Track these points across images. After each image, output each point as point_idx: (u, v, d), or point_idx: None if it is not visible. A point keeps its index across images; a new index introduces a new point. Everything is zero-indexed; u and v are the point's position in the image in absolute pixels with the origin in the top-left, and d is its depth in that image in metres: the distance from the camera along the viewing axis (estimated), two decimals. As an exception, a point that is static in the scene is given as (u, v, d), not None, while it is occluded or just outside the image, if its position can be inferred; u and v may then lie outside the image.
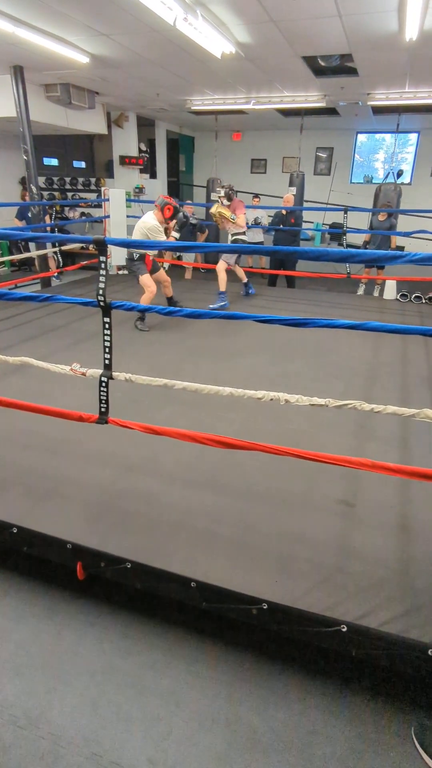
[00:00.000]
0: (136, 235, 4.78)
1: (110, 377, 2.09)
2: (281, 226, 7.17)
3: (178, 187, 11.28)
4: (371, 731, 1.63)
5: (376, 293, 7.40)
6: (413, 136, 9.89)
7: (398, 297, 6.88)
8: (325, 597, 1.74)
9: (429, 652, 1.55)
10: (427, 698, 1.75)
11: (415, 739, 1.60)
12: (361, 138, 10.46)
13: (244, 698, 1.72)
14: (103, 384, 2.09)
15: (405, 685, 1.79)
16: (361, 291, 7.48)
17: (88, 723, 1.63)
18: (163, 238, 4.64)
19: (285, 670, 1.83)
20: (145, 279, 4.89)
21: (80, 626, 1.97)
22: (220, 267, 5.71)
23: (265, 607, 1.72)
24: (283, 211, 7.17)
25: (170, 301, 5.44)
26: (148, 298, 4.82)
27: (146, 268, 4.95)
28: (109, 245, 1.95)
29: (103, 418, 2.14)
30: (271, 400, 1.94)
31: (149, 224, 4.68)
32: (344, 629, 1.63)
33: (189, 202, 10.38)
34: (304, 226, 9.18)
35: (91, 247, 7.95)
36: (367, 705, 1.71)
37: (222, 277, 5.65)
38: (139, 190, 9.23)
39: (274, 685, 1.77)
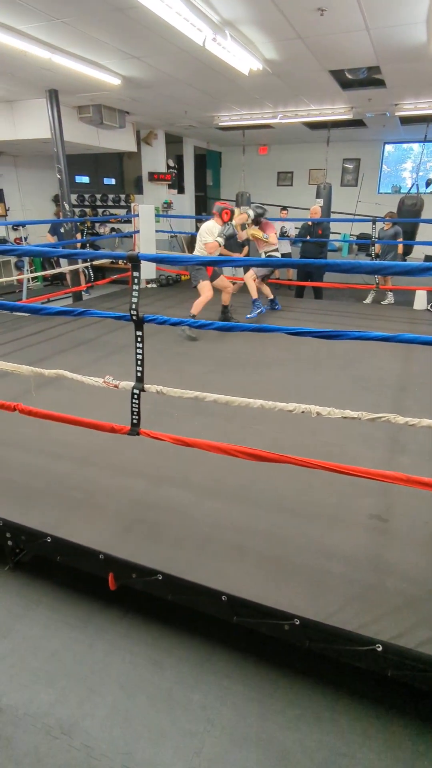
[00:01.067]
0: (198, 242, 5.26)
1: (142, 389, 2.12)
2: (308, 238, 7.18)
3: (205, 201, 11.44)
4: (408, 757, 1.57)
5: (369, 300, 7.36)
6: (442, 145, 9.75)
7: (429, 307, 6.74)
8: (358, 614, 1.71)
9: (470, 676, 1.49)
10: (468, 724, 1.68)
11: (455, 767, 1.53)
12: (389, 148, 10.39)
13: (276, 716, 1.69)
14: (135, 396, 2.13)
15: (444, 709, 1.73)
16: (369, 299, 7.40)
17: (120, 735, 1.63)
18: (210, 238, 5.03)
19: (318, 689, 1.79)
20: (204, 285, 5.21)
21: (112, 637, 1.99)
22: (249, 276, 5.77)
23: (297, 623, 1.70)
24: (310, 223, 7.17)
25: (224, 309, 5.63)
26: (202, 302, 5.15)
27: (207, 274, 5.27)
28: (141, 261, 1.99)
29: (134, 429, 2.17)
30: (303, 412, 1.94)
31: (206, 226, 5.12)
32: (379, 648, 1.59)
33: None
34: (332, 237, 9.16)
35: (122, 262, 8.09)
36: (403, 729, 1.65)
37: (252, 285, 5.71)
38: (168, 205, 9.40)
39: (306, 704, 1.73)
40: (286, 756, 1.58)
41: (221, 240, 5.04)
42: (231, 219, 5.12)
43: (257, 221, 5.79)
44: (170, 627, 2.04)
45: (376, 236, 7.04)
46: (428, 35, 4.12)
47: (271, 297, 6.35)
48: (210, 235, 5.02)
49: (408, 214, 7.58)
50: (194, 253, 5.37)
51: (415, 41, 4.28)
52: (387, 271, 1.73)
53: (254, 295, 5.66)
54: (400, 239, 7.14)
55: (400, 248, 7.23)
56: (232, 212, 5.16)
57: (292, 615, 1.70)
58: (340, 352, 4.55)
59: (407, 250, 7.78)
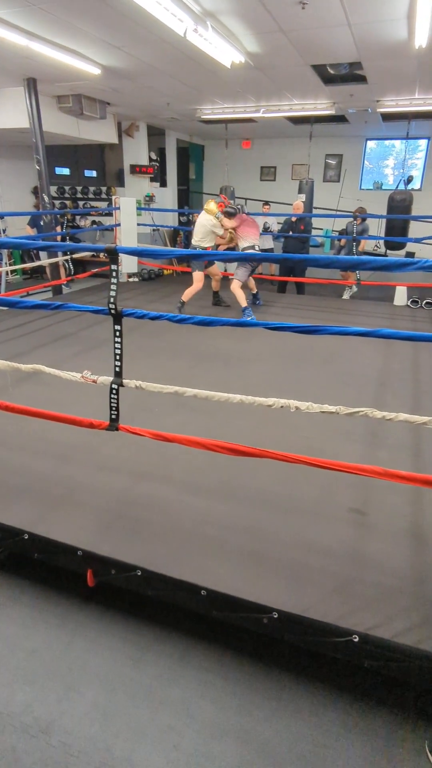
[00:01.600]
0: (199, 232, 5.59)
1: (121, 384, 2.10)
2: (290, 233, 7.19)
3: (188, 195, 11.36)
4: (385, 745, 1.60)
5: (346, 295, 7.41)
6: (423, 142, 9.87)
7: (409, 303, 6.84)
8: (337, 606, 1.73)
9: (444, 665, 1.52)
10: (442, 712, 1.71)
11: (429, 754, 1.57)
12: (371, 144, 10.46)
13: (255, 709, 1.70)
14: (114, 391, 2.10)
15: (420, 698, 1.76)
16: (347, 295, 7.47)
17: (98, 732, 1.62)
18: (220, 231, 5.56)
19: (297, 681, 1.80)
20: (197, 275, 5.66)
21: (91, 634, 1.97)
22: (235, 286, 5.69)
23: (275, 616, 1.71)
24: (293, 218, 7.18)
25: (216, 295, 6.19)
26: (192, 291, 5.66)
27: (203, 264, 5.67)
28: (120, 254, 1.96)
29: (113, 424, 2.15)
30: (282, 407, 1.94)
31: (211, 221, 5.52)
32: (356, 639, 1.61)
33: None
34: (314, 232, 9.19)
35: (102, 255, 8.07)
36: (381, 718, 1.68)
37: (239, 294, 5.66)
38: (150, 198, 9.31)
39: (285, 696, 1.75)
40: (266, 748, 1.59)
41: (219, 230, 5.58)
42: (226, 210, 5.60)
43: (228, 213, 5.88)
44: (150, 623, 2.04)
45: (347, 231, 7.16)
46: (409, 32, 4.15)
47: (255, 291, 6.35)
48: (217, 228, 5.54)
49: (398, 210, 7.64)
50: (192, 246, 5.67)
51: (397, 37, 4.30)
52: (365, 266, 1.74)
53: (243, 303, 5.59)
54: (367, 236, 7.29)
55: (363, 245, 7.35)
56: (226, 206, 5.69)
57: (271, 608, 1.71)
58: (321, 347, 4.58)
59: (397, 247, 7.90)
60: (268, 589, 1.80)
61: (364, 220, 7.19)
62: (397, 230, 7.64)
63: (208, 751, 1.57)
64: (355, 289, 7.34)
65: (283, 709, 1.70)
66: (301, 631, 1.70)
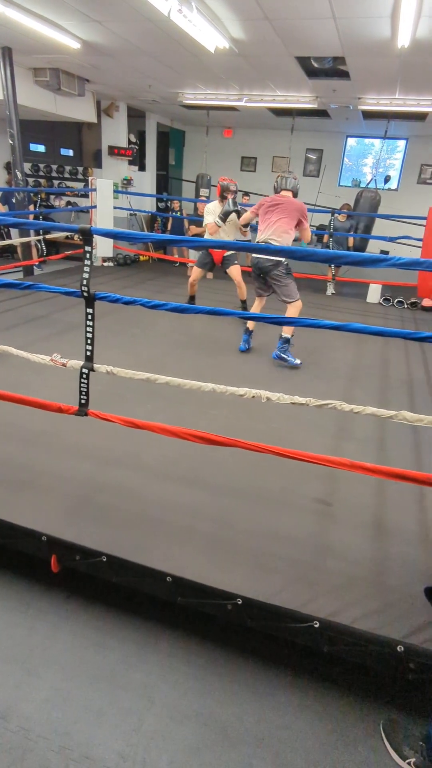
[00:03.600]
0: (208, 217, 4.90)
1: (91, 369, 2.07)
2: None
3: (167, 180, 11.19)
4: (341, 726, 1.66)
5: (330, 291, 7.51)
6: (401, 143, 10.00)
7: (381, 301, 6.98)
8: (299, 593, 1.76)
9: (398, 649, 1.58)
10: (397, 695, 1.78)
11: (383, 733, 1.63)
12: (351, 142, 10.54)
13: (216, 693, 1.73)
14: (84, 375, 2.07)
15: (375, 681, 1.83)
16: (330, 291, 7.56)
17: (59, 716, 1.61)
18: (210, 219, 4.71)
19: (258, 666, 1.84)
20: (193, 269, 5.12)
21: (54, 619, 1.95)
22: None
23: (240, 603, 1.73)
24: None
25: (242, 304, 5.03)
26: (189, 282, 5.13)
27: (204, 257, 4.92)
28: (95, 235, 1.92)
29: (83, 409, 2.12)
30: (253, 397, 1.95)
31: (208, 206, 4.84)
32: (317, 625, 1.65)
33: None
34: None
35: (76, 236, 7.83)
36: (338, 701, 1.74)
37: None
38: (128, 182, 9.12)
39: (246, 680, 1.78)
40: (225, 730, 1.62)
41: (219, 221, 4.59)
42: (222, 196, 4.63)
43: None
44: (115, 609, 2.03)
45: (332, 228, 7.19)
46: (392, 31, 4.17)
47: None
48: (210, 214, 4.70)
49: (366, 208, 7.75)
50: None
51: (380, 35, 4.32)
52: (340, 260, 1.76)
53: (288, 332, 4.02)
54: (353, 232, 7.32)
55: (351, 241, 7.40)
56: (223, 187, 4.63)
57: (235, 595, 1.73)
58: (294, 340, 4.62)
59: (362, 245, 7.97)
60: (234, 576, 1.82)
61: (349, 217, 7.26)
62: (363, 228, 7.72)
63: (168, 733, 1.59)
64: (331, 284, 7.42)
65: (244, 692, 1.73)
66: (263, 617, 1.74)
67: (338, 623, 1.65)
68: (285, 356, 3.94)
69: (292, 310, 3.88)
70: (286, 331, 3.94)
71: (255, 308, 4.28)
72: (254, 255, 3.99)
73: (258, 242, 3.85)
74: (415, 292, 6.42)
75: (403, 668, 1.62)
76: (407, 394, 3.68)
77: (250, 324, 4.33)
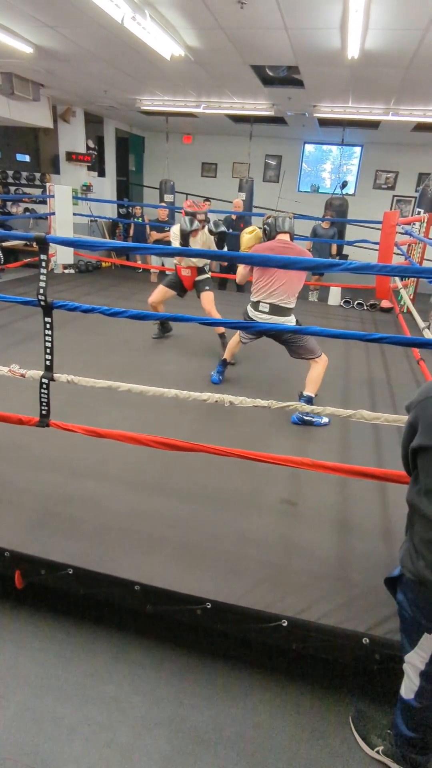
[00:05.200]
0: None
1: (51, 378, 2.04)
2: (230, 231, 7.27)
3: (127, 187, 11.13)
4: (312, 721, 1.69)
5: (314, 298, 7.68)
6: (357, 149, 10.33)
7: (341, 303, 7.16)
8: (267, 594, 1.79)
9: (363, 641, 1.63)
10: (364, 686, 1.83)
11: (352, 724, 1.67)
12: (309, 148, 10.79)
13: (188, 699, 1.73)
14: (44, 386, 2.04)
15: (343, 674, 1.87)
16: (313, 297, 7.73)
17: (27, 736, 1.58)
18: (176, 243, 4.01)
19: (230, 668, 1.85)
20: (156, 287, 4.42)
21: (20, 637, 1.90)
22: (233, 342, 3.64)
23: (209, 607, 1.74)
24: (233, 216, 7.26)
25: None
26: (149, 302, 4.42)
27: (172, 278, 4.37)
28: (51, 243, 1.90)
29: (44, 420, 2.08)
30: (216, 401, 1.97)
31: (173, 230, 4.17)
32: (285, 624, 1.68)
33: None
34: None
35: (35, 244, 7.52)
36: (308, 696, 1.77)
37: (232, 344, 3.66)
38: (87, 188, 9.02)
39: (218, 683, 1.79)
40: (199, 734, 1.62)
41: (176, 243, 4.01)
42: (190, 222, 3.94)
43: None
44: (84, 622, 2.00)
45: (315, 235, 7.30)
46: (342, 42, 4.32)
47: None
48: (175, 239, 4.07)
49: (336, 215, 7.95)
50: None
51: (331, 46, 4.46)
52: (296, 266, 1.80)
53: (311, 391, 3.32)
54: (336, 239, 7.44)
55: (334, 248, 7.54)
56: (187, 215, 4.00)
57: (204, 599, 1.74)
58: (256, 344, 4.68)
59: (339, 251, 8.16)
60: (202, 581, 1.83)
61: (332, 224, 7.38)
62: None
63: (142, 744, 1.58)
64: (317, 291, 7.54)
65: (217, 696, 1.74)
66: (233, 620, 1.75)
67: (305, 620, 1.69)
68: (311, 418, 3.13)
69: (318, 368, 3.24)
70: (309, 389, 3.22)
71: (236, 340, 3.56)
72: (255, 313, 3.14)
73: (257, 302, 3.15)
74: (374, 294, 6.63)
75: (369, 660, 1.67)
76: (368, 394, 3.79)
77: (227, 353, 3.68)
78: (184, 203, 4.20)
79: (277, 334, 3.07)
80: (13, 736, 1.57)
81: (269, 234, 3.21)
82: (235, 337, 3.51)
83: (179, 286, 4.38)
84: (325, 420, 3.15)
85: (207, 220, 3.97)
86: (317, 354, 3.21)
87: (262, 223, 3.24)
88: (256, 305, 3.15)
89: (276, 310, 3.07)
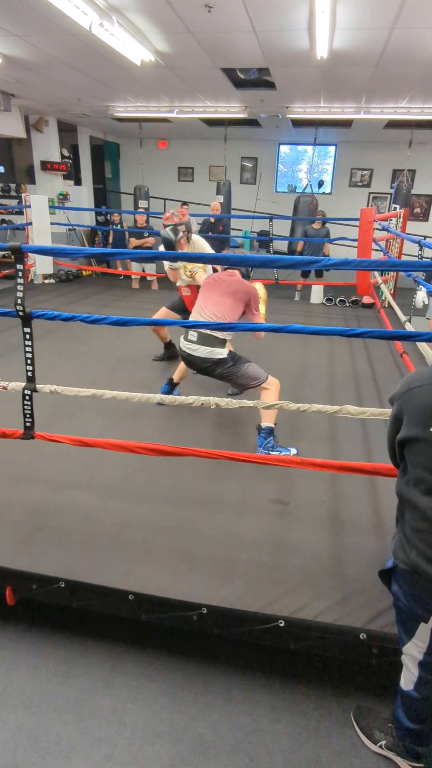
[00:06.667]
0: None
1: (34, 389, 2.00)
2: (209, 234, 7.29)
3: (104, 194, 11.09)
4: (314, 720, 1.68)
5: (297, 298, 7.72)
6: (332, 149, 10.44)
7: (324, 301, 7.21)
8: (263, 595, 1.78)
9: (361, 636, 1.63)
10: (364, 681, 1.83)
11: (354, 721, 1.67)
12: (284, 149, 10.88)
13: (188, 706, 1.70)
14: (27, 397, 2.00)
15: (343, 671, 1.87)
16: (297, 297, 7.76)
17: (24, 756, 1.54)
18: (167, 264, 3.63)
19: (228, 673, 1.84)
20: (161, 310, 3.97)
21: (13, 655, 1.86)
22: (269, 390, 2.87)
23: (204, 612, 1.72)
24: (211, 219, 7.28)
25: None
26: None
27: (176, 297, 3.94)
28: (27, 252, 1.87)
29: (28, 432, 2.05)
30: (202, 404, 1.96)
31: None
32: (282, 624, 1.67)
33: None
34: (233, 233, 9.38)
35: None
36: (308, 695, 1.76)
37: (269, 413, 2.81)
38: (64, 197, 8.96)
39: (218, 689, 1.77)
40: (200, 743, 1.60)
41: (170, 264, 3.60)
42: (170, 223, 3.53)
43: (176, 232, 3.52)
44: (78, 635, 1.97)
45: (306, 236, 7.31)
46: (310, 43, 4.36)
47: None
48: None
49: (305, 213, 8.01)
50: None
51: (300, 47, 4.50)
52: (274, 264, 1.80)
53: (269, 420, 2.80)
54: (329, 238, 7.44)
55: (328, 249, 7.56)
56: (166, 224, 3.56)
57: (199, 605, 1.72)
58: (240, 344, 4.68)
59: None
60: (196, 586, 1.81)
61: (324, 223, 7.40)
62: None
63: (142, 756, 1.55)
64: (299, 291, 7.55)
65: (217, 702, 1.72)
66: (229, 624, 1.74)
67: (302, 619, 1.68)
68: (276, 452, 2.72)
69: (270, 394, 2.75)
70: (267, 419, 2.74)
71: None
72: (183, 342, 2.79)
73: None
74: (355, 291, 6.69)
75: (367, 654, 1.67)
76: (354, 389, 3.81)
77: (176, 375, 3.28)
78: (162, 218, 3.73)
79: (208, 370, 2.74)
80: (10, 756, 1.53)
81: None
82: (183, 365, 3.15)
83: (181, 309, 3.99)
84: (294, 450, 2.76)
85: (188, 231, 3.64)
86: (263, 378, 2.78)
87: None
88: (186, 333, 2.78)
89: (205, 339, 2.67)
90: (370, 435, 3.01)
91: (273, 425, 2.73)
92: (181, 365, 3.17)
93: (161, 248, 3.58)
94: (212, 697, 1.74)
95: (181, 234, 3.48)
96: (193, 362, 2.79)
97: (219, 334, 2.65)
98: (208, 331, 2.63)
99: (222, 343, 2.71)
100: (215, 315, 2.65)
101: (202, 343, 2.68)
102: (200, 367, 2.77)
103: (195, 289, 3.81)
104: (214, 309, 2.67)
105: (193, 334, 2.71)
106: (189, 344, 2.74)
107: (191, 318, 2.81)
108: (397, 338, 2.93)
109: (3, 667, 1.81)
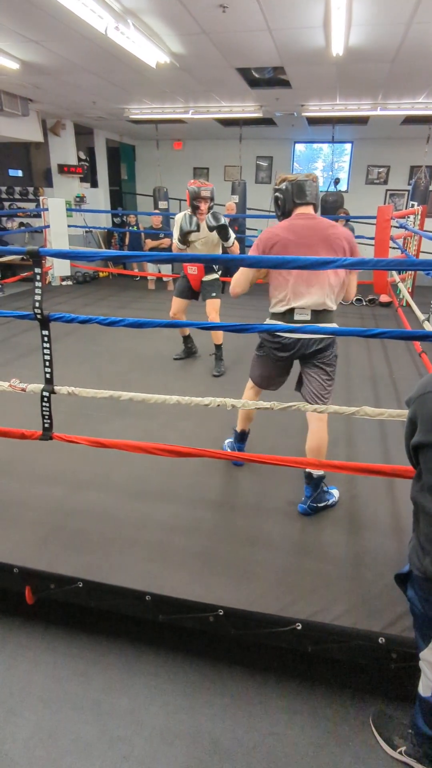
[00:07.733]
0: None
1: (52, 391, 2.03)
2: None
3: (120, 196, 11.17)
4: (331, 725, 1.66)
5: None
6: (348, 146, 10.33)
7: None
8: (280, 597, 1.77)
9: (379, 641, 1.60)
10: (383, 686, 1.80)
11: (373, 726, 1.64)
12: (299, 147, 10.81)
13: (205, 708, 1.70)
14: (45, 399, 2.03)
15: (361, 675, 1.84)
16: None
17: (44, 754, 1.56)
18: (176, 233, 3.63)
19: (245, 675, 1.83)
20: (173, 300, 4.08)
21: (33, 654, 1.89)
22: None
23: (221, 614, 1.72)
24: (227, 219, 7.27)
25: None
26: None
27: (181, 286, 4.03)
28: (45, 256, 1.89)
29: (47, 434, 2.07)
30: (218, 406, 1.96)
31: (176, 218, 3.76)
32: (299, 627, 1.66)
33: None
34: (248, 233, 9.35)
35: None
36: (326, 699, 1.74)
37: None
38: (80, 199, 9.06)
39: (235, 691, 1.76)
40: (217, 745, 1.60)
41: (179, 242, 3.58)
42: (193, 206, 3.60)
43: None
44: (96, 635, 1.98)
45: None
46: (326, 40, 4.32)
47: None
48: (175, 228, 3.67)
49: (331, 211, 7.94)
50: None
51: (315, 44, 4.47)
52: (289, 265, 1.79)
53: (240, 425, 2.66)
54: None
55: None
56: (192, 194, 3.58)
57: (216, 606, 1.72)
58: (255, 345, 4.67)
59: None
60: (213, 588, 1.81)
61: (347, 221, 7.33)
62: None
63: (160, 756, 1.56)
64: None
65: (233, 704, 1.72)
66: (246, 626, 1.73)
67: (320, 622, 1.67)
68: (323, 504, 2.28)
69: (321, 423, 2.26)
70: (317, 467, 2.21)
71: (248, 397, 2.48)
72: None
73: (283, 311, 2.16)
74: (372, 289, 6.61)
75: (386, 659, 1.64)
76: (371, 389, 3.77)
77: (240, 423, 2.59)
78: (189, 184, 3.77)
79: (314, 354, 2.15)
80: (30, 753, 1.55)
81: (284, 207, 2.22)
82: (248, 393, 2.46)
83: (188, 291, 4.01)
84: (335, 496, 2.34)
85: (212, 198, 3.60)
86: (329, 398, 2.28)
87: (273, 191, 2.29)
88: (286, 315, 2.15)
89: (319, 316, 2.13)
90: (388, 436, 2.97)
91: (324, 474, 2.23)
92: (241, 413, 2.53)
93: (175, 231, 3.60)
94: (229, 700, 1.74)
95: (195, 226, 3.54)
96: (301, 349, 2.15)
97: (334, 306, 2.17)
98: (325, 305, 2.13)
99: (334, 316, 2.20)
100: (328, 297, 2.14)
101: (318, 321, 2.13)
102: (310, 350, 2.14)
103: (202, 268, 3.87)
104: (322, 290, 2.11)
105: (304, 313, 2.11)
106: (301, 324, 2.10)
107: (285, 303, 2.15)
108: (416, 338, 2.88)
109: (23, 666, 1.83)
